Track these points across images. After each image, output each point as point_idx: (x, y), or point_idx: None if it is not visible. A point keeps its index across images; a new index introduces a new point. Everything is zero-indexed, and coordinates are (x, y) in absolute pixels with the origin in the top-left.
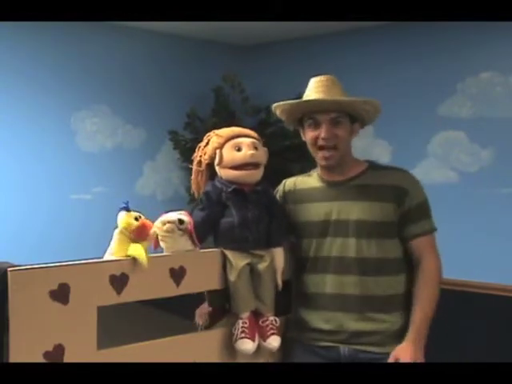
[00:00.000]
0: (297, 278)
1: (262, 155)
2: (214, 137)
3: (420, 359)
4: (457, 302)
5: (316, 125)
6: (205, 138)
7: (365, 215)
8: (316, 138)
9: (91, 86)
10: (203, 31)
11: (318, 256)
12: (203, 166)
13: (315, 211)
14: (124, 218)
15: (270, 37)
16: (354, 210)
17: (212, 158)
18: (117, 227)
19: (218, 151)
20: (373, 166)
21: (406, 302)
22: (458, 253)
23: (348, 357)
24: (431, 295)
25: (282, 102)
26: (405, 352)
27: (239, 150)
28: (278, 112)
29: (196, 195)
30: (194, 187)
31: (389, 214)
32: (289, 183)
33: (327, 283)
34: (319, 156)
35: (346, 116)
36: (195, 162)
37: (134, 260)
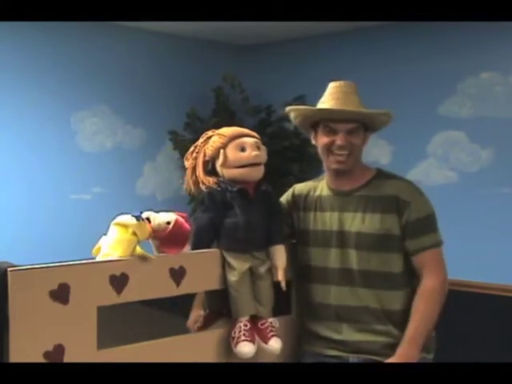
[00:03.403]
0: (301, 286)
1: (264, 155)
2: (216, 136)
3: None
4: (457, 302)
5: (331, 131)
6: (203, 135)
7: (365, 227)
8: (330, 144)
9: (91, 86)
10: (203, 31)
11: (322, 266)
12: (200, 163)
13: (321, 220)
14: (143, 229)
15: (270, 37)
16: (355, 222)
17: (213, 158)
18: (117, 226)
19: (221, 151)
20: (379, 175)
21: (407, 318)
22: (457, 253)
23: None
24: (426, 312)
25: (301, 107)
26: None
27: (243, 150)
28: (292, 114)
29: (190, 191)
30: (190, 183)
31: (391, 226)
32: (299, 189)
33: (331, 294)
34: (331, 160)
35: (362, 125)
36: (190, 160)
37: (134, 260)
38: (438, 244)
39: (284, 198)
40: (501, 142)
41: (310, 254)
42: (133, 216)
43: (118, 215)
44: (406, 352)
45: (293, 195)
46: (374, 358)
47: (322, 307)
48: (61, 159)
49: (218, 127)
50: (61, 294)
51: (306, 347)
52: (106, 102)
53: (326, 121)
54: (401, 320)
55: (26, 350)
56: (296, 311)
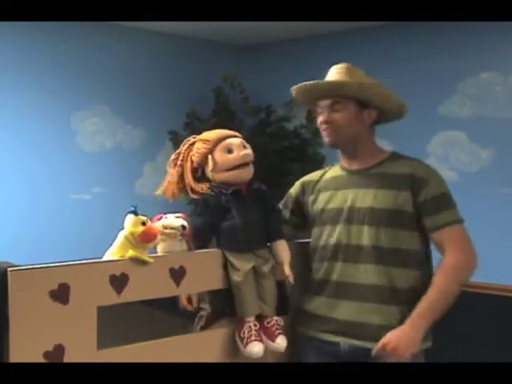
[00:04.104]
0: (307, 266)
1: (252, 153)
2: (199, 142)
3: (405, 349)
4: (457, 302)
5: (321, 110)
6: (184, 142)
7: (377, 203)
8: (320, 123)
9: (91, 86)
10: (203, 31)
11: (328, 243)
12: (188, 171)
13: (332, 199)
14: (131, 223)
15: (270, 37)
16: (367, 198)
17: (201, 164)
18: (122, 229)
19: (209, 157)
20: (394, 156)
21: (412, 298)
22: None
23: (348, 352)
24: (442, 287)
25: (294, 87)
26: (391, 336)
27: (230, 151)
28: (298, 99)
29: (171, 198)
30: (168, 192)
31: (403, 202)
32: (309, 177)
33: (335, 271)
34: (323, 135)
35: (347, 101)
36: (176, 168)
37: (134, 260)
38: (458, 221)
39: (293, 188)
40: (501, 141)
41: (319, 232)
42: (131, 211)
43: (128, 213)
44: (411, 324)
45: (302, 183)
46: (366, 343)
47: (324, 284)
48: (61, 159)
49: (218, 127)
50: (61, 294)
51: (300, 329)
52: (106, 102)
53: (317, 101)
54: (405, 299)
55: (26, 350)
56: (295, 295)
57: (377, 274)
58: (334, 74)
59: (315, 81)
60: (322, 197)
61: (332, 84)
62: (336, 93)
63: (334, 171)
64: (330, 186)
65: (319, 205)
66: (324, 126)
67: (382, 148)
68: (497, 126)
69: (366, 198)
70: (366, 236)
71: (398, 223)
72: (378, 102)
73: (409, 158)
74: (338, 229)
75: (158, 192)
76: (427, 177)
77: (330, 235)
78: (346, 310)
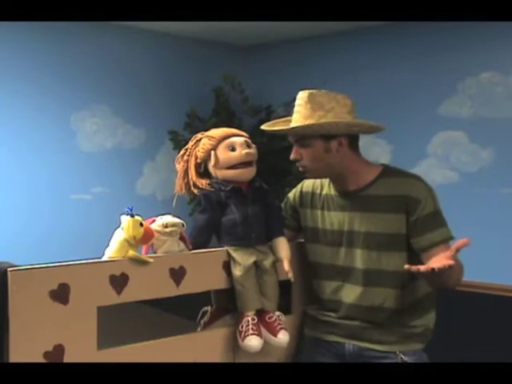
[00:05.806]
0: (311, 283)
1: (255, 153)
2: (206, 138)
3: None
4: (457, 302)
5: None
6: (192, 139)
7: (375, 227)
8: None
9: (91, 86)
10: (203, 31)
11: (332, 264)
12: (192, 166)
13: (328, 219)
14: (131, 226)
15: (270, 37)
16: (362, 222)
17: (205, 160)
18: (118, 229)
19: (212, 153)
20: (385, 173)
21: (412, 315)
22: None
23: (353, 353)
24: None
25: (270, 130)
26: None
27: (233, 149)
28: None
29: (180, 193)
30: (178, 188)
31: (397, 225)
32: (307, 185)
33: (340, 290)
34: None
35: (312, 137)
36: (181, 163)
37: (134, 260)
38: (449, 238)
39: (292, 193)
40: (501, 141)
41: (318, 251)
42: (127, 213)
43: (121, 214)
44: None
45: (300, 192)
46: (370, 345)
47: (331, 303)
48: (61, 159)
49: (218, 127)
50: (61, 294)
51: (306, 331)
52: (106, 102)
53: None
54: (406, 315)
55: (25, 350)
56: (296, 294)
57: (380, 295)
58: (295, 110)
59: (275, 128)
60: (316, 215)
61: (290, 131)
62: (293, 133)
63: (329, 187)
64: (324, 206)
65: (313, 223)
66: (297, 164)
67: (371, 164)
68: (497, 126)
69: (362, 222)
70: (367, 260)
71: (397, 246)
72: (342, 132)
73: (402, 175)
74: (341, 252)
75: (175, 192)
76: (422, 197)
77: (333, 257)
78: (353, 324)
